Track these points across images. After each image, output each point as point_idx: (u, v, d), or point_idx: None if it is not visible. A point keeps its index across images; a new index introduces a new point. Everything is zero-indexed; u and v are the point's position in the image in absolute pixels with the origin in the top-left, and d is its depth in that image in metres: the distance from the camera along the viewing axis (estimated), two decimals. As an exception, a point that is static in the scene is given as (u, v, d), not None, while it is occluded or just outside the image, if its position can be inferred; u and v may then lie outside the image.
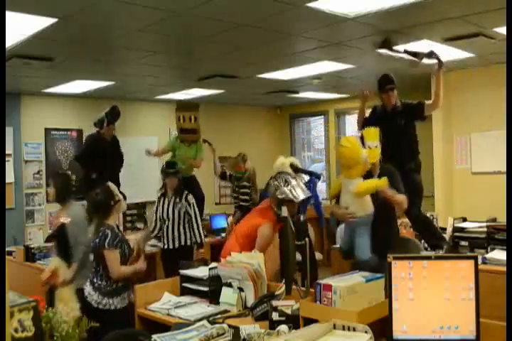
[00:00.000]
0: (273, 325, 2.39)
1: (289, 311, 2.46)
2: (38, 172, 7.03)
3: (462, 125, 6.40)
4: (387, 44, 4.53)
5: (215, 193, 8.69)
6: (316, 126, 9.53)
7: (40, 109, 7.07)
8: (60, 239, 3.85)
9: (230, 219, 6.69)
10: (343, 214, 3.33)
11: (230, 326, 2.14)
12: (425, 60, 4.54)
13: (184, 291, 3.21)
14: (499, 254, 3.78)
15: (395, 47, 4.63)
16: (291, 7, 3.59)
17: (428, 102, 4.46)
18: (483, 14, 3.92)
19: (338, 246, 4.91)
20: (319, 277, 4.16)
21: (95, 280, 3.37)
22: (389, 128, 3.83)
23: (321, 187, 8.49)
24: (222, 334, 2.07)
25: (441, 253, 4.14)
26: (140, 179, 7.32)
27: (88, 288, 3.36)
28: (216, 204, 8.62)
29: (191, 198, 4.97)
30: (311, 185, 5.47)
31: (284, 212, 3.06)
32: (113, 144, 5.94)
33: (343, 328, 1.98)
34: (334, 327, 2.00)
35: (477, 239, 4.27)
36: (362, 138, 3.46)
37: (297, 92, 7.77)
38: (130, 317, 3.13)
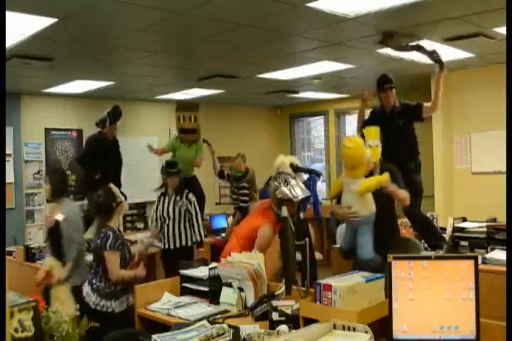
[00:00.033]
0: (273, 325, 2.39)
1: (289, 311, 2.46)
2: (38, 172, 7.03)
3: (462, 125, 6.40)
4: (393, 41, 4.51)
5: (215, 193, 8.69)
6: (316, 126, 9.53)
7: (40, 109, 7.08)
8: (54, 237, 3.80)
9: (230, 219, 6.71)
10: (345, 214, 3.32)
11: (230, 326, 2.14)
12: (426, 59, 4.54)
13: (184, 291, 3.21)
14: (499, 254, 3.78)
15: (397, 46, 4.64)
16: (291, 7, 3.59)
17: (426, 104, 4.46)
18: (483, 14, 3.92)
19: (338, 246, 4.91)
20: (319, 277, 4.16)
21: (94, 281, 3.36)
22: (388, 129, 3.83)
23: (321, 187, 8.49)
24: (222, 334, 2.07)
25: (441, 253, 4.14)
26: (140, 179, 7.32)
27: (86, 289, 3.35)
28: (216, 204, 8.62)
29: (192, 196, 4.98)
30: (310, 183, 5.47)
31: (284, 212, 3.06)
32: (114, 144, 5.95)
33: (343, 328, 1.98)
34: (334, 327, 2.00)
35: (477, 239, 4.27)
36: (362, 137, 3.45)
37: (297, 92, 7.77)
38: (130, 320, 3.11)
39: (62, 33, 4.06)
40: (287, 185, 3.62)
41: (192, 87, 6.94)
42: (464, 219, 4.74)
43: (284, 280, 2.79)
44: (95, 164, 5.67)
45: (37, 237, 6.80)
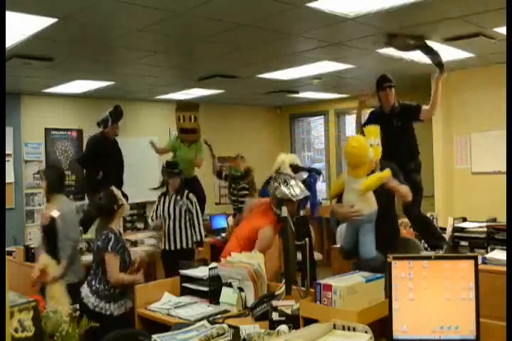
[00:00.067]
0: (273, 325, 2.39)
1: (289, 311, 2.46)
2: (38, 172, 7.01)
3: (462, 125, 6.40)
4: (397, 41, 4.50)
5: (215, 193, 8.69)
6: (316, 126, 9.54)
7: (40, 109, 7.07)
8: (49, 234, 3.78)
9: (230, 219, 6.71)
10: (347, 213, 3.30)
11: (230, 326, 2.14)
12: (426, 59, 4.54)
13: (184, 291, 3.21)
14: (499, 254, 3.77)
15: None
16: (291, 7, 3.59)
17: (425, 107, 4.45)
18: (483, 14, 3.93)
19: (338, 246, 4.91)
20: (319, 277, 4.15)
21: (93, 282, 3.35)
22: (388, 129, 3.83)
23: (321, 187, 8.49)
24: (222, 334, 2.07)
25: (441, 253, 4.13)
26: (140, 179, 7.31)
27: (85, 290, 3.34)
28: (216, 204, 8.62)
29: (193, 196, 4.98)
30: (311, 180, 5.46)
31: (284, 212, 3.07)
32: (115, 144, 5.95)
33: (343, 328, 1.98)
34: (334, 327, 2.00)
35: (477, 239, 4.27)
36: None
37: (297, 92, 7.78)
38: (129, 324, 3.10)
39: (62, 33, 4.06)
40: (287, 185, 3.63)
41: (192, 87, 6.94)
42: (464, 219, 4.74)
43: (284, 280, 2.79)
44: (97, 164, 5.67)
45: (37, 237, 6.76)
